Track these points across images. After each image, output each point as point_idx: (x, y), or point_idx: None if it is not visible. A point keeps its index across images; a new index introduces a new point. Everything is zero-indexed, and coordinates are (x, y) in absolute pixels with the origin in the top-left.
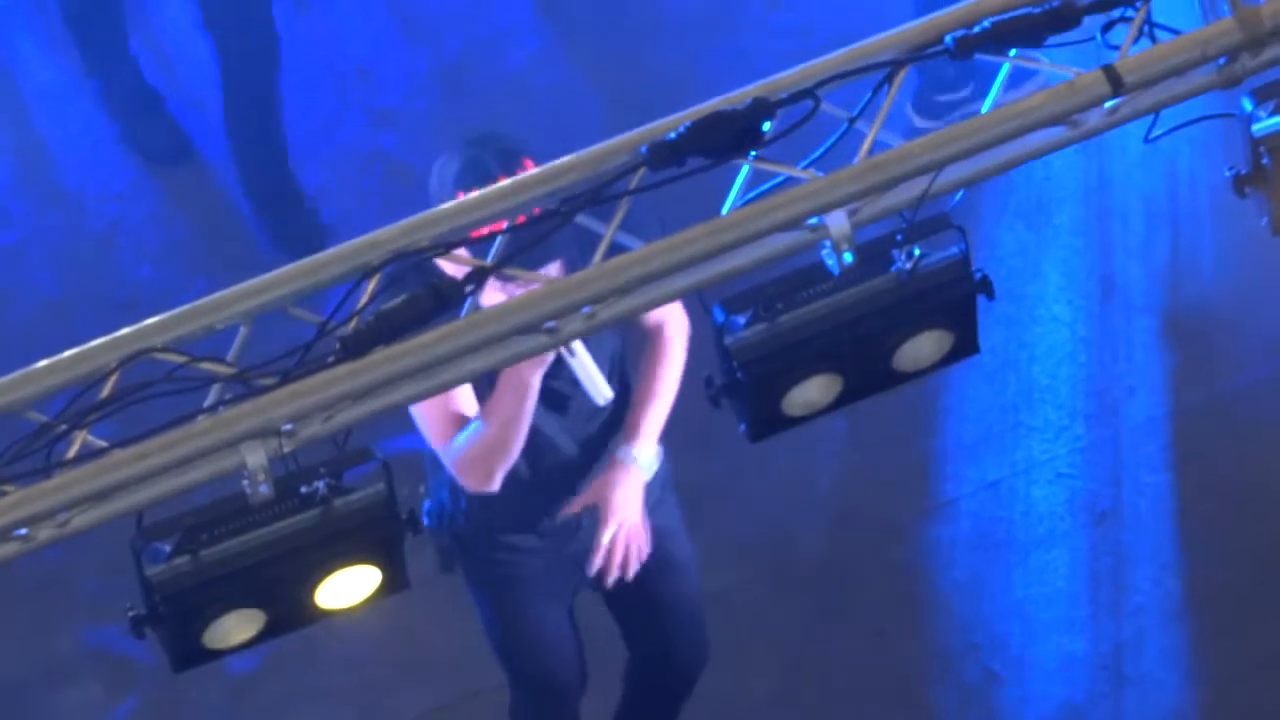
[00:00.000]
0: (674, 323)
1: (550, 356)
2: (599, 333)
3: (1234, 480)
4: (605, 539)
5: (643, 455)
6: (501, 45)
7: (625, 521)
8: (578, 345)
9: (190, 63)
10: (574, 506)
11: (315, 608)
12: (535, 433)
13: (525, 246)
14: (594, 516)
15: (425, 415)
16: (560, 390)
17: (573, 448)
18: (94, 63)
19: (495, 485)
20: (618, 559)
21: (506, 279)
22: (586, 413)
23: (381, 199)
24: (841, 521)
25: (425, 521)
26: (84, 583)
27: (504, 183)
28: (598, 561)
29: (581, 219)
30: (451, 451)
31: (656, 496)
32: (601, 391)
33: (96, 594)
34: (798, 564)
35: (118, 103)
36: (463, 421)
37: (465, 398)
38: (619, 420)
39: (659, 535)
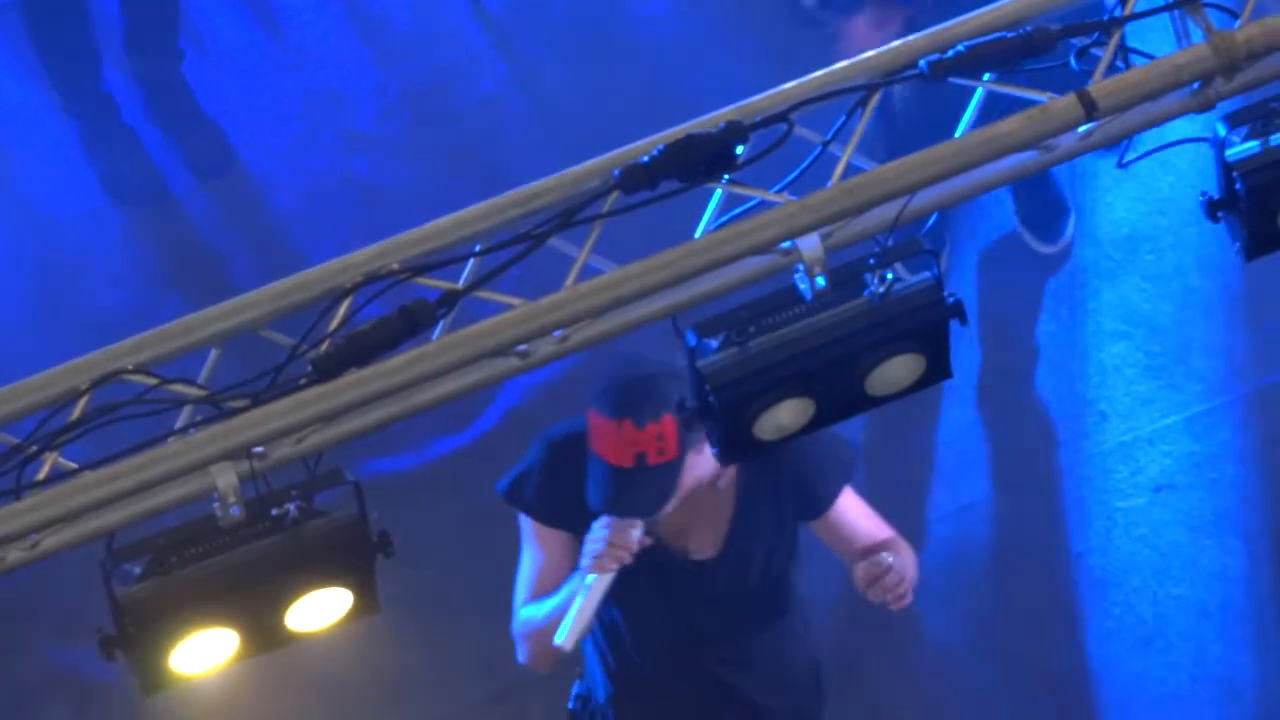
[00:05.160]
0: (900, 541)
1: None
2: None
3: (1207, 504)
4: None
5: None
6: (473, 69)
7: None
8: (598, 585)
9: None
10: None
11: (286, 630)
12: None
13: (498, 270)
14: None
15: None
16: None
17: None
18: (70, 103)
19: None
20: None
21: None
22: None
23: (353, 222)
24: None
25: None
26: (52, 604)
27: (477, 205)
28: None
29: (554, 242)
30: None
31: None
32: (568, 635)
33: (65, 615)
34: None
35: (95, 144)
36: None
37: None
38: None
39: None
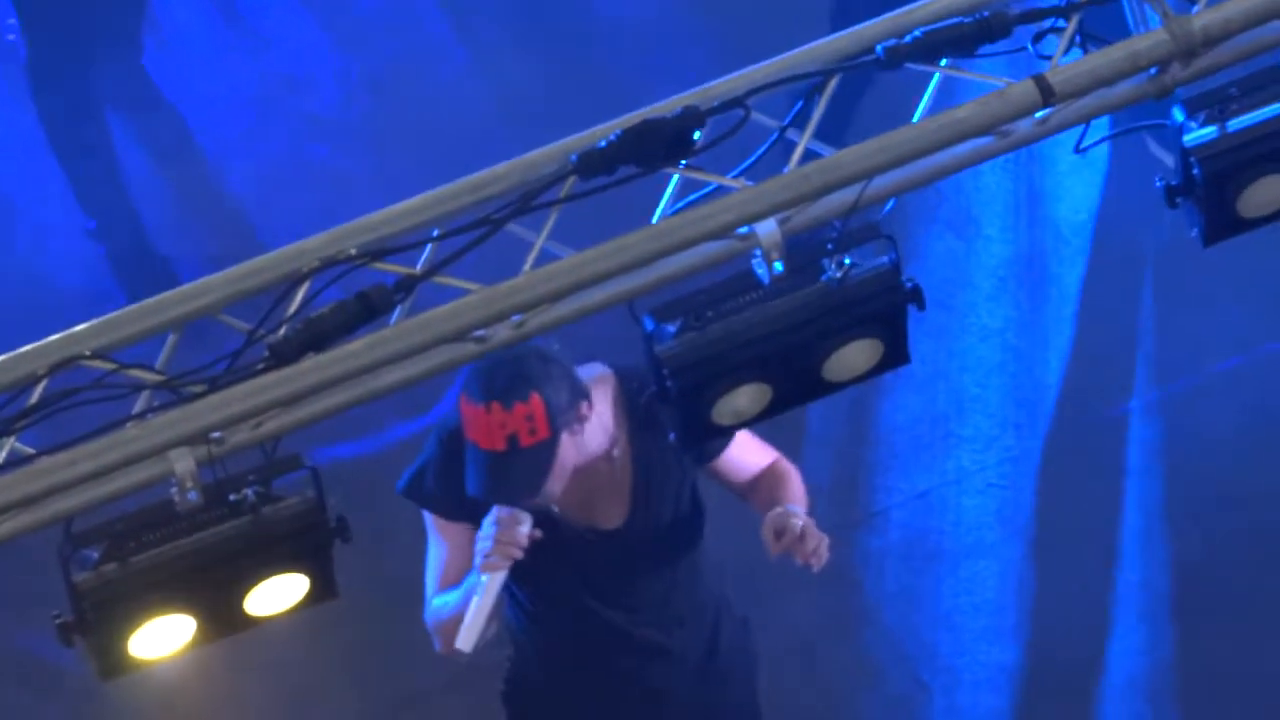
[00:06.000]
0: (782, 461)
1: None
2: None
3: (1165, 487)
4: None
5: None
6: (433, 55)
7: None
8: (491, 584)
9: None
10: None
11: (244, 616)
12: None
13: (456, 255)
14: None
15: None
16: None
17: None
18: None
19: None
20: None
21: None
22: None
23: (312, 207)
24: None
25: None
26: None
27: (435, 190)
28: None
29: (512, 227)
30: None
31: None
32: (466, 637)
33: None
34: (725, 574)
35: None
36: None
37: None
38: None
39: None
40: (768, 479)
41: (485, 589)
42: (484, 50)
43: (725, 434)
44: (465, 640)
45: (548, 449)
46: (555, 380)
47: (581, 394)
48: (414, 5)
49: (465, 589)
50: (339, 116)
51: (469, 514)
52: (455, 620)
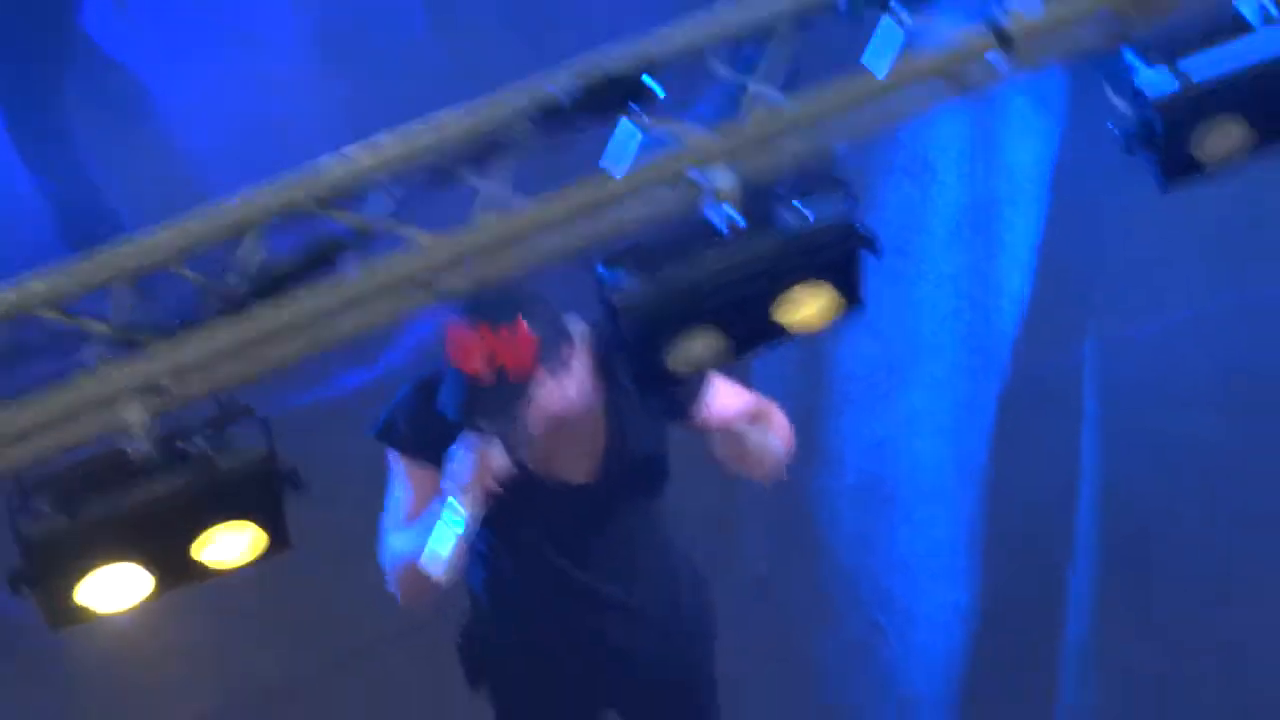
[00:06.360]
0: (762, 401)
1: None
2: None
3: (1117, 434)
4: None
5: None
6: (392, 13)
7: None
8: (465, 511)
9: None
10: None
11: (197, 566)
12: None
13: (408, 203)
14: None
15: None
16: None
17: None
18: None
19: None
20: None
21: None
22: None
23: (266, 164)
24: (726, 472)
25: None
26: None
27: (387, 134)
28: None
29: (465, 175)
30: None
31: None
32: (443, 565)
33: None
34: (681, 513)
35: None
36: None
37: None
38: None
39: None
40: (744, 420)
41: (467, 517)
42: (443, 9)
43: (681, 382)
44: (438, 565)
45: (529, 377)
46: (543, 317)
47: (567, 337)
48: None
49: (427, 524)
50: (294, 74)
51: (436, 458)
52: (417, 557)
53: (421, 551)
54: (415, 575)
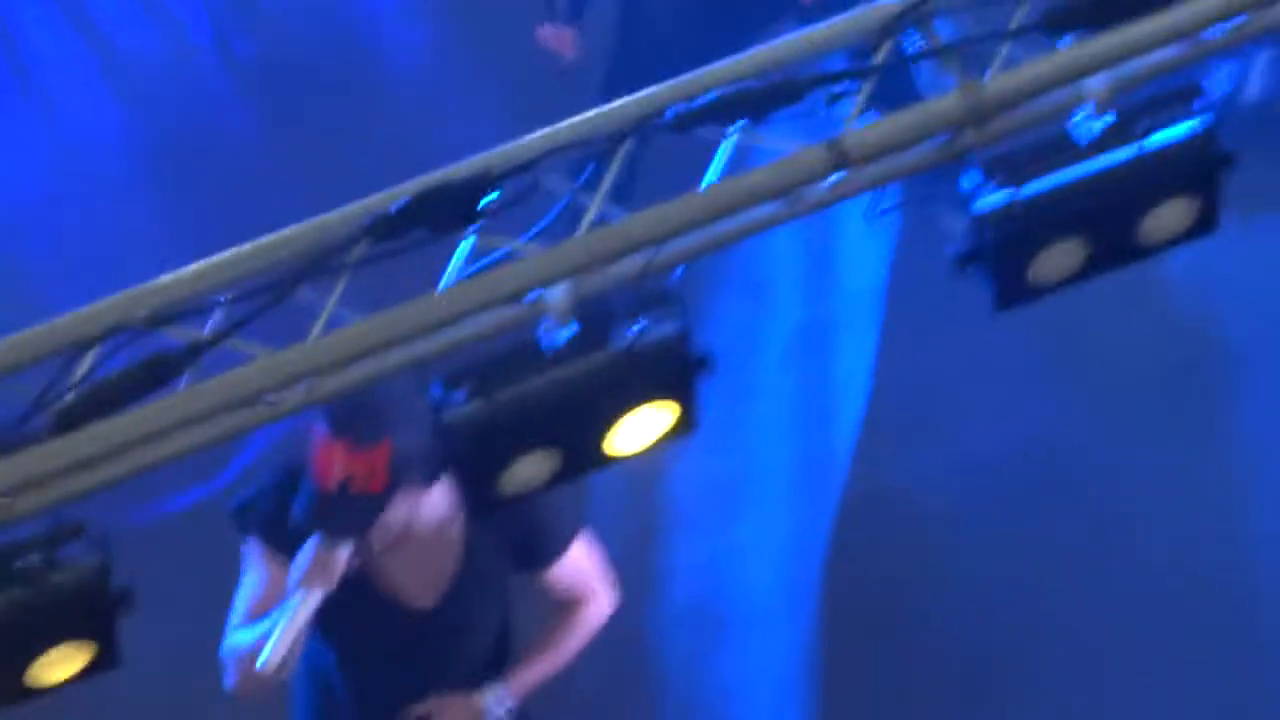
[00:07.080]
0: (597, 606)
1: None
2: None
3: (956, 550)
4: None
5: (503, 705)
6: (222, 116)
7: None
8: (303, 606)
9: None
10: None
11: (25, 688)
12: None
13: (244, 320)
14: None
15: None
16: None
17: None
18: None
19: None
20: None
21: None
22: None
23: (101, 272)
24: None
25: None
26: None
27: (223, 254)
28: None
29: (301, 292)
30: None
31: None
32: (272, 657)
33: None
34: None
35: None
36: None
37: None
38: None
39: None
40: (560, 617)
41: (297, 611)
42: (273, 111)
43: (513, 503)
44: (272, 660)
45: (378, 501)
46: (413, 434)
47: (436, 457)
48: (203, 63)
49: (273, 618)
50: (127, 179)
51: (294, 549)
52: (259, 648)
53: (262, 644)
54: (250, 670)
